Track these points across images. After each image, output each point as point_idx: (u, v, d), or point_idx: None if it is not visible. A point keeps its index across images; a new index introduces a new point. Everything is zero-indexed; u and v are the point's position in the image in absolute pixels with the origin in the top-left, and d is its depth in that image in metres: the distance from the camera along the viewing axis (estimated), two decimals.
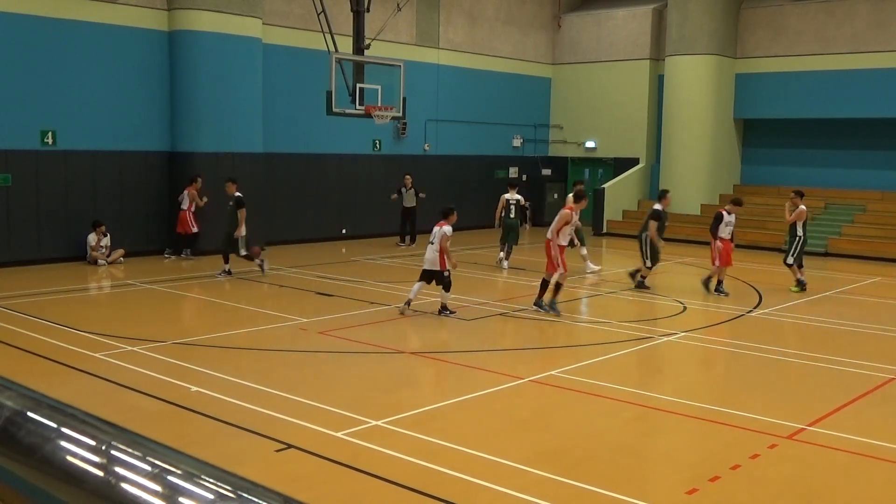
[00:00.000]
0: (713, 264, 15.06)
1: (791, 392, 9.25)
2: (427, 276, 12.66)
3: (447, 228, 12.53)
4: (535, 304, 12.90)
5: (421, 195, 21.41)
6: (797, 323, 12.95)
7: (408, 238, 21.63)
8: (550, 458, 6.87)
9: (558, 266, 12.64)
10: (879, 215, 22.25)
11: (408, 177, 21.59)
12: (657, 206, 15.65)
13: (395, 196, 21.41)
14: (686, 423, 8.10)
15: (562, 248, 12.77)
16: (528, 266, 18.32)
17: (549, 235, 12.86)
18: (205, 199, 18.25)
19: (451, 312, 12.65)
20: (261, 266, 16.03)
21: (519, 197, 18.66)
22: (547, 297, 12.82)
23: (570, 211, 12.96)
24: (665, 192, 16.25)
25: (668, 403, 8.52)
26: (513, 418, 8.03)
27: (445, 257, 12.49)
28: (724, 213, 15.10)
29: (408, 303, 12.72)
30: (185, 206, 18.24)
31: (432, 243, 12.59)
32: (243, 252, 15.76)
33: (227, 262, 15.84)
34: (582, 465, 6.76)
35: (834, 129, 24.07)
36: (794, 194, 15.76)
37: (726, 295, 14.77)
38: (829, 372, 10.01)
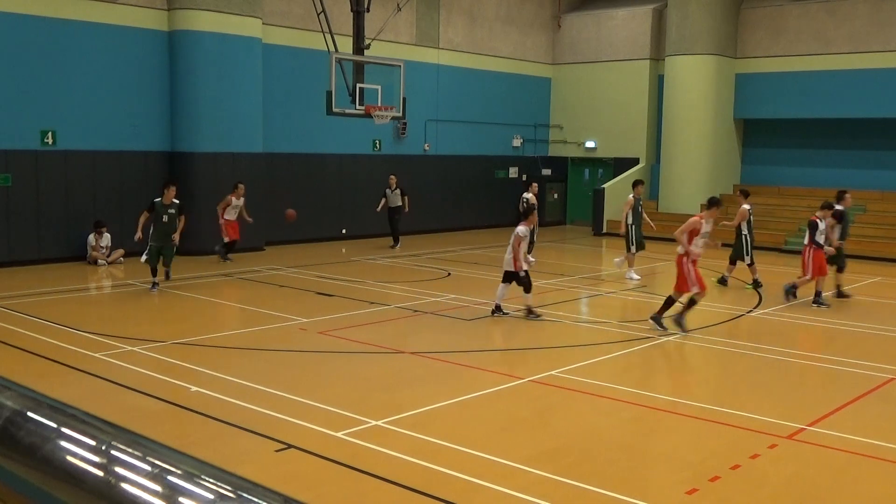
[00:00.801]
0: (804, 275, 14.08)
1: (791, 392, 9.25)
2: (507, 277, 12.50)
3: (521, 229, 12.35)
4: (651, 318, 11.89)
5: (405, 197, 21.03)
6: (797, 323, 12.95)
7: (392, 239, 21.23)
8: (550, 458, 6.87)
9: (693, 285, 11.53)
10: (879, 215, 22.25)
11: (392, 177, 21.28)
12: (839, 207, 14.63)
13: (382, 203, 21.05)
14: (686, 423, 8.10)
15: (695, 262, 11.57)
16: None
17: (679, 250, 11.64)
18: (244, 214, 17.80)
19: (537, 316, 12.44)
20: (154, 284, 14.22)
21: (528, 195, 18.80)
22: (666, 311, 11.81)
23: (701, 219, 11.69)
24: (844, 192, 15.13)
25: (668, 403, 8.52)
26: (513, 418, 8.03)
27: (517, 258, 12.27)
28: (818, 220, 14.02)
29: (497, 308, 12.58)
30: (228, 214, 17.59)
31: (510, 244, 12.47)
32: (145, 259, 14.38)
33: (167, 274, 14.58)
34: (582, 465, 6.76)
35: (834, 129, 24.08)
36: (739, 193, 15.86)
37: (828, 307, 13.86)
38: (829, 372, 10.01)
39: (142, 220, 13.92)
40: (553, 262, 19.38)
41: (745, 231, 15.63)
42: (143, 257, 14.23)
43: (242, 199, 17.66)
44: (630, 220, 16.77)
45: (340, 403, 8.13)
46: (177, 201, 13.98)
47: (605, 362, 10.39)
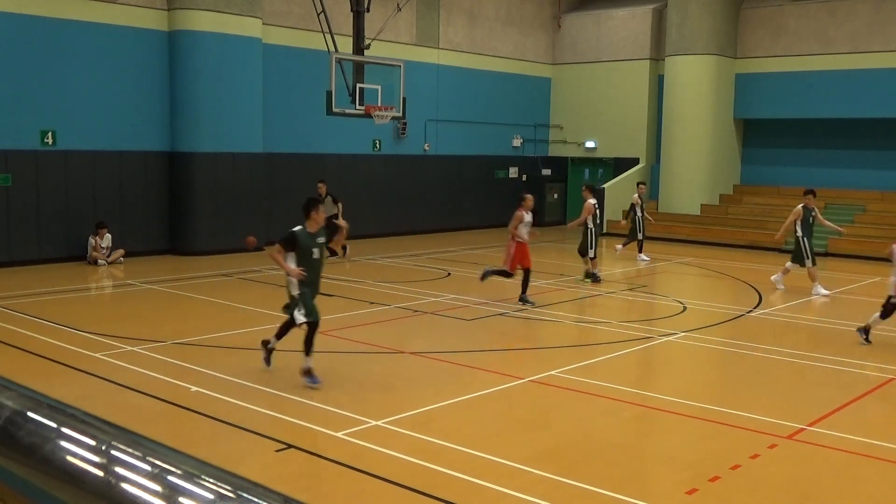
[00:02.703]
0: None
1: (791, 392, 9.25)
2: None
3: None
4: None
5: (339, 204, 18.73)
6: (797, 323, 12.95)
7: (341, 250, 18.91)
8: (550, 458, 6.87)
9: None
10: (879, 215, 22.25)
11: (321, 185, 18.80)
12: None
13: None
14: (686, 423, 8.10)
15: None
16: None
17: None
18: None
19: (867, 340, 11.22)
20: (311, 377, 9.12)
21: (635, 196, 19.79)
22: None
23: None
24: None
25: (668, 403, 8.52)
26: (513, 418, 8.03)
27: None
28: None
29: (865, 331, 11.31)
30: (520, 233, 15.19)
31: None
32: (303, 320, 10.47)
33: None
34: (582, 465, 6.76)
35: (834, 129, 24.08)
36: (584, 188, 16.43)
37: None
38: (829, 372, 10.01)
39: (281, 260, 9.05)
40: (553, 262, 19.37)
41: (590, 225, 16.02)
42: (300, 318, 9.04)
43: (531, 214, 14.20)
44: (800, 232, 15.29)
45: (340, 403, 8.13)
46: (323, 225, 9.45)
47: (605, 362, 10.39)
